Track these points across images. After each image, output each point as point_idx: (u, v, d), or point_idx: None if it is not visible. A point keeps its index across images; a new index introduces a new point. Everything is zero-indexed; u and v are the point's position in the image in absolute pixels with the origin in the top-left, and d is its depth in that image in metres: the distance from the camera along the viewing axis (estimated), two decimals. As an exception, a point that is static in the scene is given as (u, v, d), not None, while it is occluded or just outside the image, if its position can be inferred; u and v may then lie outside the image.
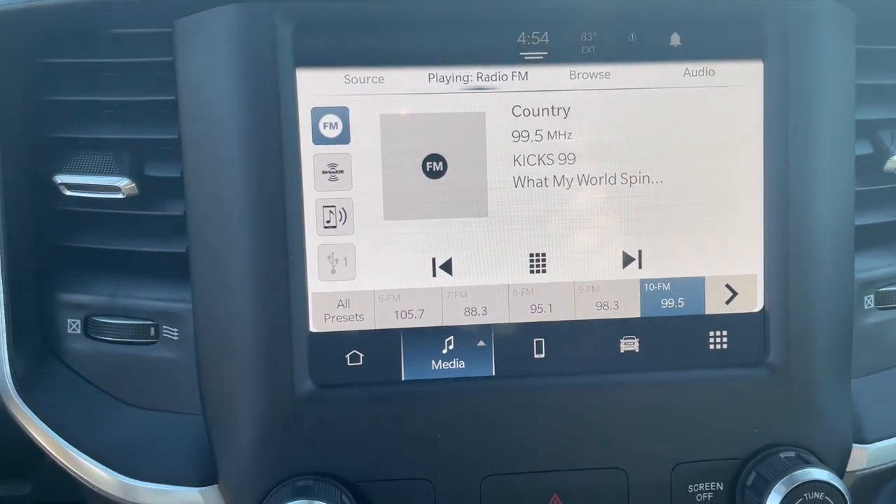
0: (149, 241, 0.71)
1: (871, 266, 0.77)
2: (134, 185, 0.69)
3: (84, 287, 0.72)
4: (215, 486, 0.68)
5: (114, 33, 0.69)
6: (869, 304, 0.77)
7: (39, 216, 0.72)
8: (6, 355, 0.68)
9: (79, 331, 0.72)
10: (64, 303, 0.72)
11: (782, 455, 0.68)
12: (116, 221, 0.71)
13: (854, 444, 0.73)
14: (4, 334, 0.68)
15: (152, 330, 0.71)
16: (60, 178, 0.70)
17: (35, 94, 0.70)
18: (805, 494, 0.65)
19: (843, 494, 0.65)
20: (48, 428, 0.69)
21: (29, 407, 0.69)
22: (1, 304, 0.68)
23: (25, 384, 0.69)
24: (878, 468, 0.74)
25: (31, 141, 0.70)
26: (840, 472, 0.71)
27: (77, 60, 0.69)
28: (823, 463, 0.68)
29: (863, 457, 0.73)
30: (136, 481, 0.69)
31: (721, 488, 0.70)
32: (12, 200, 0.68)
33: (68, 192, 0.70)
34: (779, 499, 0.65)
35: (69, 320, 0.72)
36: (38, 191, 0.71)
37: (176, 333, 0.70)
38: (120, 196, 0.69)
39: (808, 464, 0.67)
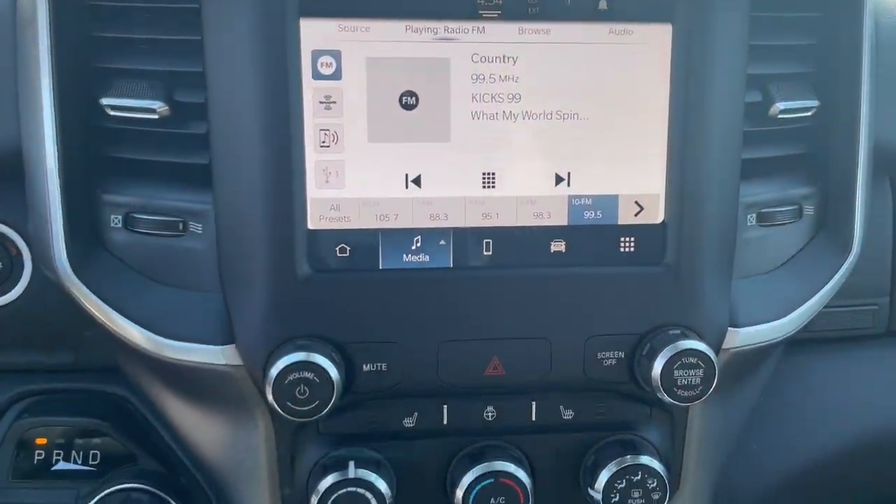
0: (179, 154, 0.78)
1: (755, 192, 0.88)
2: (167, 107, 0.79)
3: (125, 190, 0.79)
4: (232, 345, 0.78)
5: None
6: (751, 222, 0.89)
7: (89, 131, 0.80)
8: (63, 243, 0.76)
9: (120, 225, 0.79)
10: (108, 202, 0.79)
11: (670, 332, 0.79)
12: (152, 137, 0.78)
13: (729, 328, 0.83)
14: (62, 226, 0.77)
15: (181, 225, 0.79)
16: (105, 101, 0.79)
17: (85, 30, 0.79)
18: (683, 359, 0.78)
19: (711, 359, 0.78)
20: (97, 298, 0.80)
21: (83, 283, 0.79)
22: (60, 203, 0.77)
23: (78, 267, 0.79)
24: (747, 347, 0.85)
25: (83, 70, 0.80)
26: (716, 348, 0.83)
27: (118, 4, 0.79)
28: (702, 339, 0.79)
29: (735, 337, 0.84)
30: (166, 339, 0.80)
31: (622, 356, 0.80)
32: (67, 119, 0.77)
33: (112, 113, 0.79)
34: (663, 362, 0.76)
35: (112, 216, 0.79)
36: (88, 111, 0.80)
37: (200, 228, 0.78)
38: (155, 116, 0.78)
39: (688, 338, 0.78)
